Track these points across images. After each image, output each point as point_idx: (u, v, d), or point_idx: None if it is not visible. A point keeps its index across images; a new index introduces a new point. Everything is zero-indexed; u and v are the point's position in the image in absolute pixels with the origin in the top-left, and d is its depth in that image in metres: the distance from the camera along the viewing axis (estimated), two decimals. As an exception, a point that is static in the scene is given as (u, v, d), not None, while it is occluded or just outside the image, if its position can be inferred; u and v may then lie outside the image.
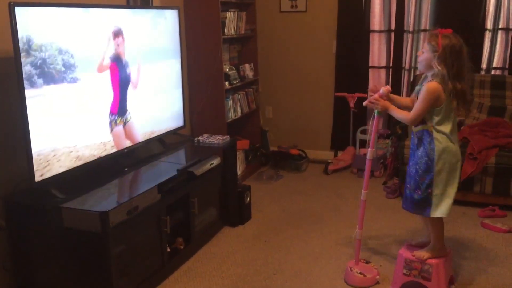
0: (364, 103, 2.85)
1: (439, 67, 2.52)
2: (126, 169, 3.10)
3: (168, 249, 3.04)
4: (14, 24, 2.29)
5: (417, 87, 2.71)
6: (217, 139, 3.60)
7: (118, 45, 2.98)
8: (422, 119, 2.62)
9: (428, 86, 2.54)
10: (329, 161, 5.01)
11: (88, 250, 2.49)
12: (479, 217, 3.81)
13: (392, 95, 2.83)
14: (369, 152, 2.91)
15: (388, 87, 2.78)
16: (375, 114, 2.83)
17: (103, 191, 2.78)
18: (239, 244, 3.48)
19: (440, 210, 2.65)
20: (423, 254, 2.73)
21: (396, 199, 4.28)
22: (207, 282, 2.98)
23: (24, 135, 2.39)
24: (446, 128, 2.60)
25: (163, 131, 3.51)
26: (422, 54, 2.62)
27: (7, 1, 2.29)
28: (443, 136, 2.60)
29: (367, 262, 3.06)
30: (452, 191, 2.65)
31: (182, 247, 3.17)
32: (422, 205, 2.68)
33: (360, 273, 2.93)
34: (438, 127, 2.59)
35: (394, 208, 4.08)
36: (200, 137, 3.67)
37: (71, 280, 2.58)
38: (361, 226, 2.99)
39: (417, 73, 2.79)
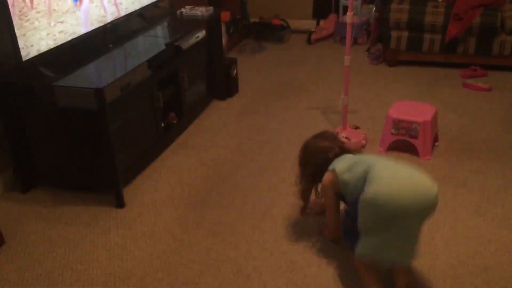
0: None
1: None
2: (111, 45, 2.99)
3: (162, 124, 3.08)
4: None
5: None
6: (200, 11, 3.46)
7: None
8: None
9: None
10: (312, 30, 4.93)
11: (85, 127, 2.51)
12: (461, 77, 3.90)
13: None
14: (348, 16, 2.86)
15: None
16: None
17: (91, 68, 2.71)
18: (230, 116, 3.53)
19: None
20: None
21: (381, 64, 4.31)
22: (203, 152, 3.07)
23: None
24: None
25: (144, 4, 3.35)
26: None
27: None
28: None
29: (356, 128, 3.17)
30: None
31: (175, 121, 3.21)
32: None
33: (346, 137, 3.05)
34: None
35: (378, 73, 4.13)
36: (182, 9, 3.52)
37: (70, 158, 2.63)
38: (346, 91, 3.05)
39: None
